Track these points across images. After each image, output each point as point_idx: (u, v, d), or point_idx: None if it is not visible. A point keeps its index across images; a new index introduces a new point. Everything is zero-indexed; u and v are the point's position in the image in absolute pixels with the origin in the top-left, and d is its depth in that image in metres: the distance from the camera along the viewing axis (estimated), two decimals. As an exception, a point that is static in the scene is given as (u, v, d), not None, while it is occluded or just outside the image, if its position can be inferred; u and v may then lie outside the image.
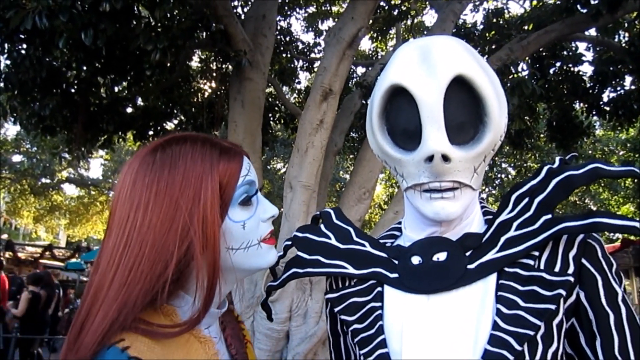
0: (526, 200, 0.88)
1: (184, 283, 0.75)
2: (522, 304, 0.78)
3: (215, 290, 0.73)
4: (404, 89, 0.82)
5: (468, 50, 0.86)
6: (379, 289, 0.91)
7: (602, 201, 16.64)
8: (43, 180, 16.77)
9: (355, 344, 0.88)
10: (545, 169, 0.90)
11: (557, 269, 0.81)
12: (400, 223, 1.04)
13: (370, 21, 6.49)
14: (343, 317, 0.92)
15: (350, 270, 0.95)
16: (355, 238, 1.00)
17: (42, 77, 4.19)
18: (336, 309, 0.94)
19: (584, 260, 0.81)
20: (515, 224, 0.86)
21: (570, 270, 0.80)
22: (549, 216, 0.83)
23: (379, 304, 0.89)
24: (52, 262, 14.82)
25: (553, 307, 0.77)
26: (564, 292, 0.77)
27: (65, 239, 25.21)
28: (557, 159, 0.92)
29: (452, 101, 0.80)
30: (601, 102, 6.67)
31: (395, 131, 0.88)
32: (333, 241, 1.00)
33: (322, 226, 1.05)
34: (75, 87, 5.09)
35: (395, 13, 7.78)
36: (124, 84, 5.74)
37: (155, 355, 0.66)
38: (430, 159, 0.80)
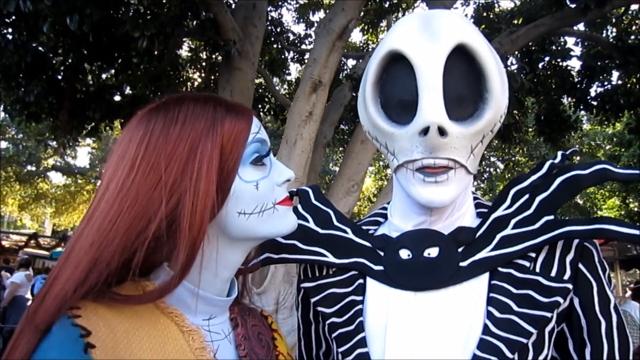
0: (526, 197, 0.83)
1: (168, 253, 0.67)
2: (515, 308, 0.74)
3: (195, 256, 0.64)
4: (402, 56, 0.76)
5: (471, 24, 0.81)
6: (361, 280, 0.85)
7: (588, 195, 16.85)
8: (29, 167, 16.55)
9: (332, 339, 0.83)
10: (547, 163, 0.85)
11: (553, 273, 0.76)
12: (384, 209, 0.98)
13: (362, 13, 6.47)
14: (320, 308, 0.86)
15: (330, 258, 0.88)
16: (335, 222, 0.93)
17: (27, 62, 4.12)
18: (313, 299, 0.88)
19: (580, 265, 0.78)
20: (513, 222, 0.81)
21: (567, 275, 0.76)
22: (551, 217, 0.78)
23: (360, 298, 0.83)
24: (37, 250, 14.68)
25: (549, 315, 0.73)
26: (561, 300, 0.74)
27: (50, 228, 24.94)
28: (559, 153, 0.87)
29: (452, 72, 0.75)
30: (589, 97, 6.74)
31: (389, 103, 0.81)
32: (311, 224, 0.93)
33: (299, 206, 0.97)
34: (62, 73, 5.02)
35: (387, 5, 7.74)
36: (112, 71, 5.66)
37: (108, 329, 0.59)
38: (425, 131, 0.74)
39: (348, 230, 0.92)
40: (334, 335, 0.82)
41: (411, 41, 0.76)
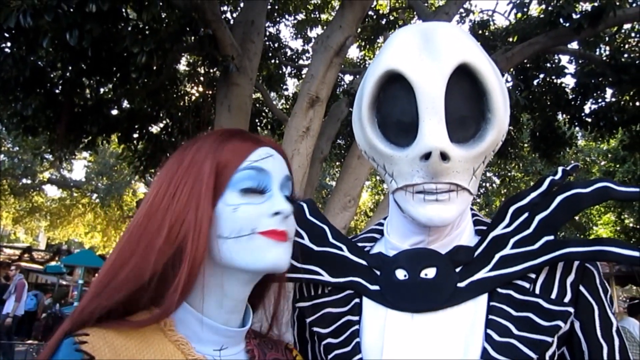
0: (526, 215, 0.80)
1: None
2: (515, 331, 0.71)
3: (195, 273, 0.65)
4: (400, 75, 0.72)
5: (473, 40, 0.77)
6: (357, 300, 0.82)
7: (583, 210, 16.84)
8: (24, 180, 16.48)
9: None
10: (547, 180, 0.82)
11: (553, 296, 0.74)
12: (380, 224, 0.95)
13: (359, 30, 6.54)
14: (316, 329, 0.83)
15: (326, 277, 0.86)
16: (331, 239, 0.91)
17: (26, 76, 4.13)
18: (308, 319, 0.85)
19: (581, 288, 0.75)
20: (512, 241, 0.79)
21: (568, 298, 0.74)
22: (551, 238, 0.76)
23: (356, 318, 0.81)
24: (31, 264, 14.54)
25: (550, 339, 0.70)
26: (562, 324, 0.71)
27: (45, 242, 24.73)
28: (560, 169, 0.84)
29: (454, 92, 0.71)
30: (583, 114, 6.82)
31: (387, 123, 0.77)
32: (306, 241, 0.90)
33: None
34: (60, 87, 5.02)
35: (384, 22, 7.85)
36: (110, 85, 5.68)
37: (113, 354, 0.60)
38: (427, 156, 0.70)
39: (344, 247, 0.89)
40: (330, 356, 0.80)
41: (410, 60, 0.72)
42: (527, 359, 0.69)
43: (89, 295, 0.65)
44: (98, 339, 0.61)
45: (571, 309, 0.73)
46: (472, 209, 0.89)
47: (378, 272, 0.83)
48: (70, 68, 4.72)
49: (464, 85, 0.72)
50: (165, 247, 0.65)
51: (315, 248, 0.90)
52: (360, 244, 0.92)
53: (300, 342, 0.96)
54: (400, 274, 0.80)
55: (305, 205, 0.96)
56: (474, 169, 0.75)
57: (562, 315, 0.72)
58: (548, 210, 0.78)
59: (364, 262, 0.86)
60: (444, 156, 0.70)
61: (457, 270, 0.79)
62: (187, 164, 0.70)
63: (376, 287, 0.82)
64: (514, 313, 0.73)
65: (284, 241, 0.71)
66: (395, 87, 0.74)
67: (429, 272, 0.78)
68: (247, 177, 0.69)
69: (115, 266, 0.66)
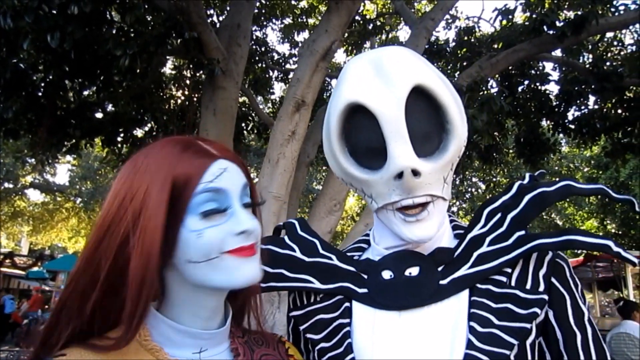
0: (499, 215, 0.87)
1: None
2: (496, 322, 0.76)
3: (139, 304, 0.64)
4: (361, 106, 0.77)
5: (420, 58, 0.83)
6: (347, 304, 0.87)
7: (567, 216, 17.11)
8: (6, 185, 16.21)
9: None
10: (516, 185, 0.89)
11: (528, 287, 0.79)
12: (367, 235, 1.00)
13: (346, 35, 6.56)
14: (309, 335, 0.87)
15: (317, 285, 0.90)
16: (321, 251, 0.96)
17: (6, 78, 4.05)
18: (301, 327, 0.88)
19: (553, 279, 0.81)
20: (487, 240, 0.84)
21: (542, 287, 0.79)
22: (523, 232, 0.82)
23: (347, 321, 0.85)
24: (13, 270, 14.29)
25: (528, 325, 0.75)
26: (539, 311, 0.76)
27: (27, 247, 24.32)
28: (527, 175, 0.91)
29: (412, 112, 0.77)
30: (566, 120, 6.92)
31: (357, 151, 0.83)
32: (298, 254, 0.96)
33: (285, 238, 1.00)
34: (42, 90, 4.94)
35: (370, 27, 7.89)
36: (93, 88, 5.61)
37: None
38: (400, 175, 0.76)
39: (333, 257, 0.94)
40: (324, 359, 0.83)
41: (367, 90, 0.77)
42: (509, 345, 0.74)
43: (50, 320, 0.66)
44: (76, 357, 0.62)
45: (545, 297, 0.78)
46: (450, 215, 0.94)
47: (365, 276, 0.88)
48: (52, 71, 4.65)
49: (421, 104, 0.78)
50: (110, 270, 0.65)
51: (307, 259, 0.94)
52: (349, 254, 0.97)
53: None
54: (386, 274, 0.85)
55: (296, 223, 1.02)
56: (444, 178, 0.81)
57: (537, 303, 0.77)
58: (518, 208, 0.85)
59: (352, 269, 0.90)
60: (415, 172, 0.75)
61: (439, 269, 0.84)
62: (138, 184, 0.68)
63: (364, 290, 0.86)
64: (493, 305, 0.78)
65: (253, 255, 0.71)
66: (359, 116, 0.79)
67: (413, 271, 0.84)
68: (205, 200, 0.67)
69: (68, 289, 0.67)
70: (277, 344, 0.87)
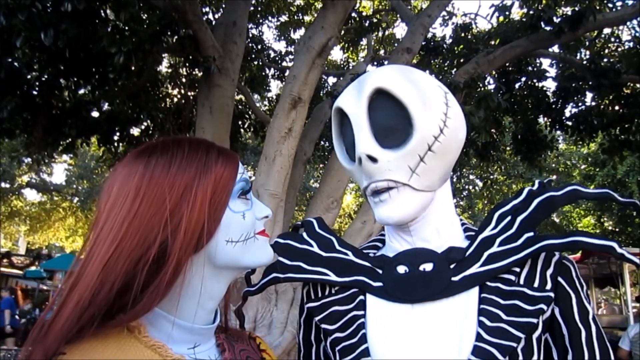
0: (509, 218, 0.92)
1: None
2: (504, 317, 0.81)
3: (176, 278, 0.69)
4: (342, 109, 0.92)
5: (401, 70, 0.91)
6: (362, 297, 0.92)
7: (564, 213, 17.14)
8: (2, 184, 16.15)
9: (336, 352, 0.89)
10: (526, 190, 0.95)
11: (536, 285, 0.84)
12: (383, 235, 1.06)
13: (342, 31, 6.53)
14: (324, 326, 0.92)
15: (332, 277, 0.95)
16: (337, 247, 1.02)
17: (1, 77, 4.02)
18: (317, 318, 0.94)
19: (560, 279, 0.85)
20: (498, 240, 0.89)
21: (549, 286, 0.84)
22: (531, 234, 0.87)
23: (361, 313, 0.90)
24: (10, 270, 14.26)
25: (535, 320, 0.80)
26: (545, 307, 0.81)
27: (24, 246, 24.26)
28: (537, 182, 0.97)
29: (377, 110, 0.88)
30: (563, 117, 6.90)
31: (347, 147, 0.96)
32: (315, 249, 1.01)
33: (304, 234, 1.06)
34: (37, 89, 4.91)
35: (367, 24, 7.86)
36: (88, 87, 5.57)
37: None
38: (360, 161, 0.86)
39: (349, 252, 1.00)
40: (337, 348, 0.88)
41: (347, 97, 0.92)
42: (516, 338, 0.79)
43: (81, 293, 0.65)
44: (76, 356, 0.63)
45: (552, 294, 0.83)
46: (461, 219, 1.00)
47: (380, 271, 0.94)
48: (47, 69, 4.62)
49: (386, 104, 0.88)
50: (155, 249, 0.67)
51: (324, 254, 1.01)
52: (364, 251, 1.03)
53: (305, 346, 1.04)
54: (401, 269, 0.91)
55: (314, 221, 1.10)
56: (411, 167, 0.87)
57: (544, 300, 0.82)
58: (527, 211, 0.90)
59: (367, 264, 0.96)
60: (372, 158, 0.85)
61: (452, 266, 0.89)
62: (174, 175, 0.72)
63: (379, 284, 0.92)
64: (502, 302, 0.83)
65: (269, 237, 0.84)
66: (345, 119, 0.93)
67: (427, 267, 0.89)
68: (241, 187, 0.79)
69: (106, 268, 0.66)
70: (249, 339, 0.92)
